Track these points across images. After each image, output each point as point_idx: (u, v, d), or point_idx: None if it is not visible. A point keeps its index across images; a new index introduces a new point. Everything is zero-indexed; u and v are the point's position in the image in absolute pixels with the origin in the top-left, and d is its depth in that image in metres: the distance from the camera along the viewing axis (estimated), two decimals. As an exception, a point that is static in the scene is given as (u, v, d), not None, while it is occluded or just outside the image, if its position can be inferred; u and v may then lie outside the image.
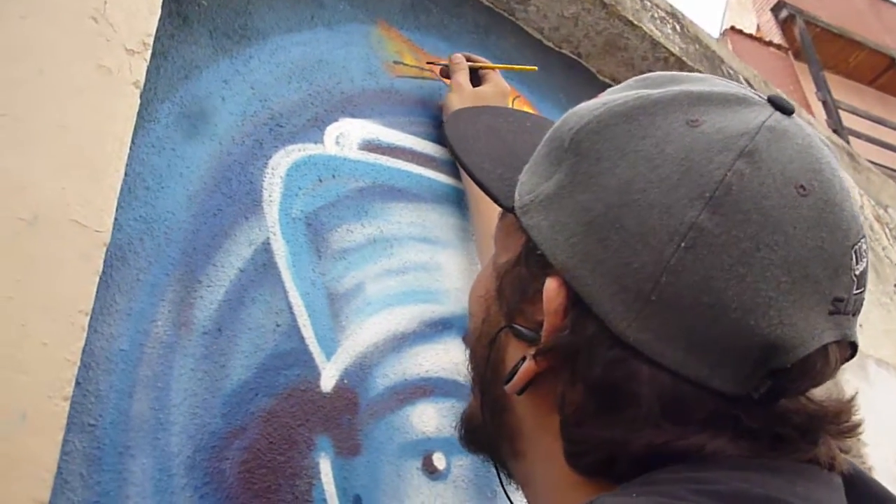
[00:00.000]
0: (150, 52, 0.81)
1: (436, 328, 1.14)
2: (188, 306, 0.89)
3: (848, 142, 8.42)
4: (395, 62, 1.39)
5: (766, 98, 0.51)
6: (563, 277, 0.49)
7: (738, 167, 0.46)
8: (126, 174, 0.83)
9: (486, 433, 0.62)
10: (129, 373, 0.81)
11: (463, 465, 1.06)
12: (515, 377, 0.54)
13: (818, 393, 0.50)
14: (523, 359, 0.54)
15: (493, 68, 1.31)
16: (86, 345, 0.72)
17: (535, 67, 1.15)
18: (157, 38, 0.88)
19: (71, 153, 0.70)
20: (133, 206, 0.89)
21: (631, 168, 0.48)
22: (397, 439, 1.01)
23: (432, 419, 1.06)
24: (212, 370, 0.88)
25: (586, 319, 0.48)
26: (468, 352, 0.67)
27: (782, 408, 0.48)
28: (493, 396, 0.59)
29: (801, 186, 0.46)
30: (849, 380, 1.58)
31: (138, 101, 0.78)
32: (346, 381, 0.99)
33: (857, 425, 0.51)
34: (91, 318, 0.71)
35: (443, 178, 1.31)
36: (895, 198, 2.65)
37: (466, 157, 0.62)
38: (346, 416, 0.97)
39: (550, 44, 1.81)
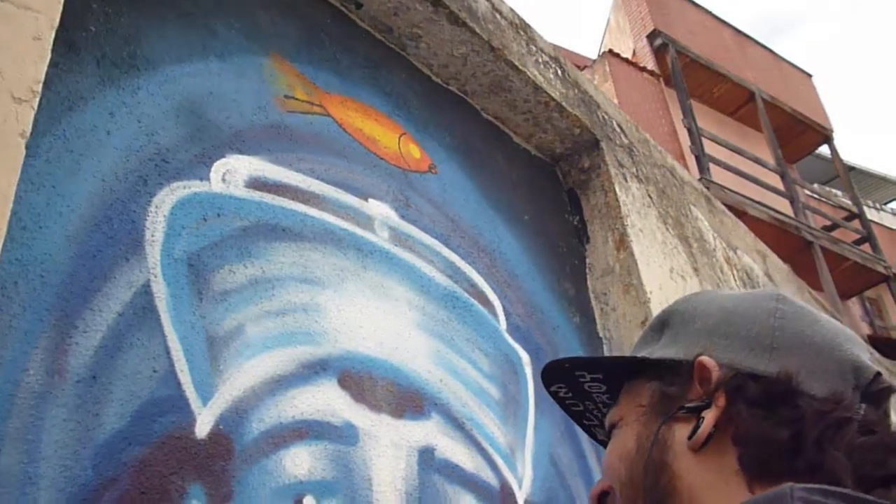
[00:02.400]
0: (38, 99, 0.79)
1: (313, 369, 1.17)
2: (63, 353, 0.88)
3: (708, 168, 8.99)
4: (287, 97, 1.40)
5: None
6: (708, 355, 0.64)
7: (778, 297, 0.68)
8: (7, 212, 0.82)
9: None
10: (-3, 426, 0.79)
11: (332, 507, 1.09)
12: (700, 429, 0.62)
13: None
14: (700, 419, 0.63)
15: None
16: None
17: None
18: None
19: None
20: (9, 247, 0.87)
21: (713, 309, 0.69)
22: (270, 484, 1.03)
23: (305, 462, 1.09)
24: (84, 419, 0.87)
25: (735, 372, 0.63)
26: (626, 501, 0.69)
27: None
28: (662, 487, 0.65)
29: (812, 311, 0.69)
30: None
31: (23, 153, 0.76)
32: (221, 427, 1.00)
33: None
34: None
35: (326, 217, 1.33)
36: (743, 239, 2.89)
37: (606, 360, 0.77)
38: (220, 462, 0.98)
39: (439, 80, 1.87)
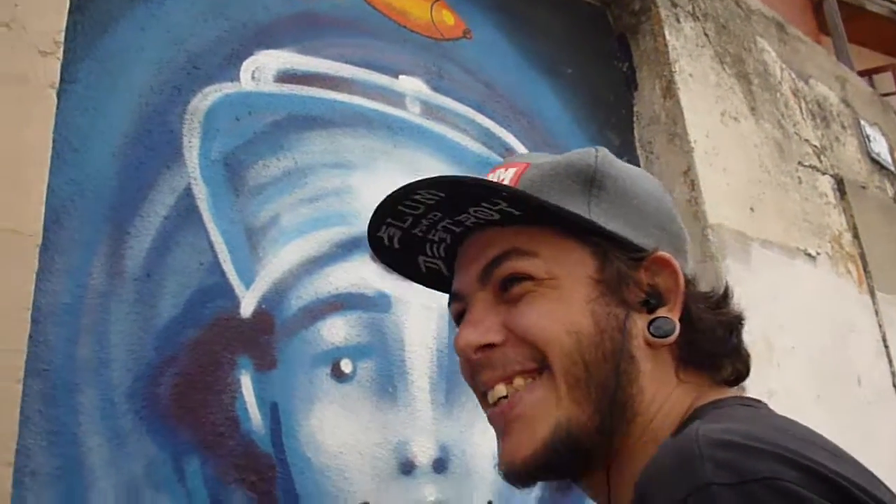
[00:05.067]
0: (62, 49, 0.90)
1: (346, 248, 1.31)
2: (119, 256, 1.05)
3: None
4: (312, -20, 1.45)
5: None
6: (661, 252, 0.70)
7: (649, 173, 0.83)
8: (54, 139, 0.96)
9: (601, 438, 0.65)
10: (72, 322, 0.98)
11: (367, 367, 1.27)
12: (675, 329, 0.68)
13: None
14: (661, 318, 0.68)
15: None
16: (34, 301, 0.89)
17: None
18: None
19: (2, 168, 0.82)
20: (63, 169, 1.01)
21: (643, 188, 0.74)
22: (309, 351, 1.20)
23: (341, 330, 1.25)
24: (144, 311, 1.05)
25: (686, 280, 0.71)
26: (570, 380, 0.66)
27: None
28: (620, 375, 0.66)
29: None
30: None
31: (55, 101, 0.89)
32: (263, 307, 1.17)
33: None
34: (36, 278, 0.88)
35: (356, 100, 1.42)
36: (821, 67, 2.76)
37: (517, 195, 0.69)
38: (264, 336, 1.16)
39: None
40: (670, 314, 0.69)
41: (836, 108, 2.72)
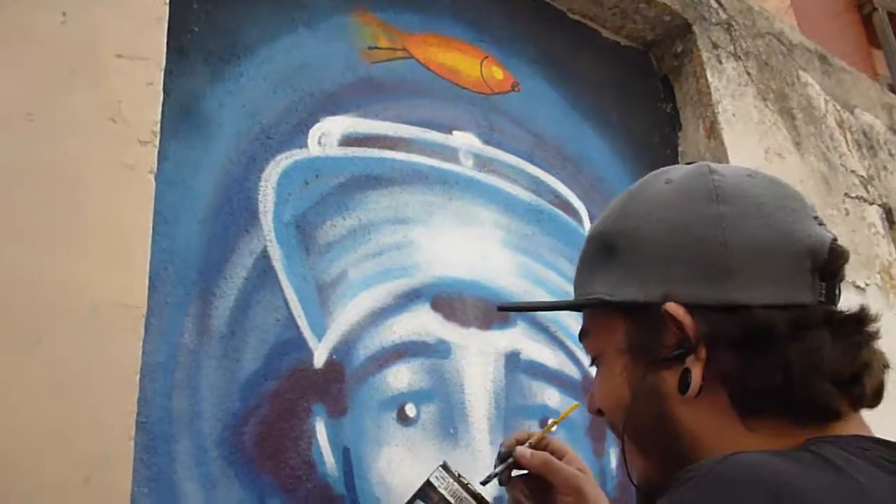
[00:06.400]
0: (158, 138, 1.02)
1: (407, 299, 1.40)
2: (207, 316, 1.16)
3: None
4: (370, 48, 1.56)
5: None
6: (674, 300, 0.67)
7: (713, 178, 0.70)
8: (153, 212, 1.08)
9: (670, 473, 0.66)
10: (167, 379, 1.09)
11: (431, 410, 1.35)
12: (691, 383, 0.66)
13: None
14: (686, 371, 0.67)
15: (549, 430, 1.03)
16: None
17: (577, 404, 1.10)
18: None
19: (113, 248, 0.94)
20: (157, 240, 1.13)
21: (658, 230, 0.70)
22: (376, 397, 1.30)
23: (405, 377, 1.34)
24: (229, 365, 1.16)
25: (704, 311, 0.66)
26: (633, 441, 0.73)
27: (843, 309, 0.68)
28: (667, 433, 0.69)
29: (749, 175, 0.72)
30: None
31: (153, 185, 1.00)
32: (334, 357, 1.27)
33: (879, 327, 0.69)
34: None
35: (413, 158, 1.52)
36: (865, 95, 2.79)
37: (548, 305, 0.83)
38: (336, 385, 1.26)
39: (521, -10, 1.94)
40: (693, 365, 0.67)
41: (884, 137, 2.74)
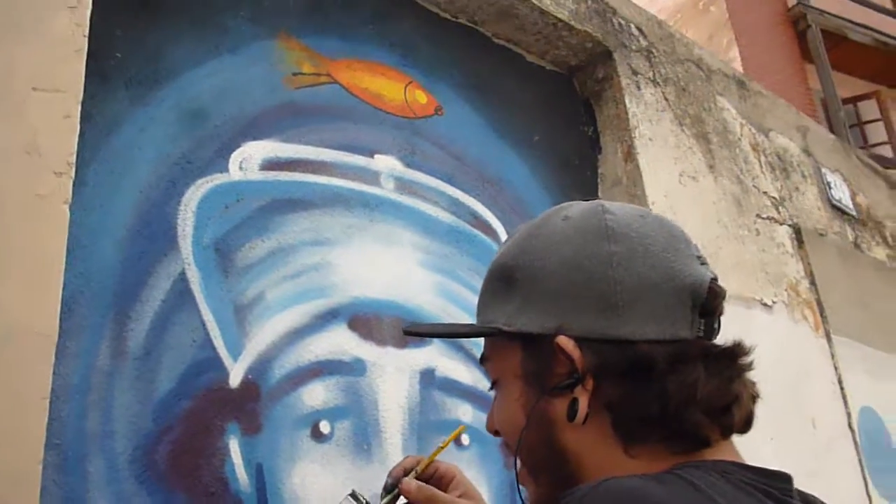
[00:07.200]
0: (73, 169, 1.06)
1: (324, 319, 1.45)
2: (123, 339, 1.20)
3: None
4: (294, 73, 1.61)
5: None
6: (564, 334, 0.72)
7: (607, 217, 0.75)
8: (69, 236, 1.11)
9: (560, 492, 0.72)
10: (80, 400, 1.12)
11: (345, 427, 1.41)
12: (579, 409, 0.71)
13: None
14: (574, 400, 0.72)
15: (432, 459, 1.04)
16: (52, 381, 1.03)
17: (463, 427, 1.15)
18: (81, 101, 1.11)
19: (26, 277, 0.97)
20: (74, 264, 1.16)
21: (554, 265, 0.74)
22: (291, 415, 1.35)
23: (320, 395, 1.40)
24: (144, 386, 1.20)
25: (592, 344, 0.72)
26: (520, 465, 0.80)
27: (717, 344, 0.73)
28: (555, 457, 0.75)
29: (641, 216, 0.77)
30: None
31: (68, 216, 1.04)
32: (250, 377, 1.32)
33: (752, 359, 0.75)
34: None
35: (335, 181, 1.57)
36: (782, 118, 2.93)
37: (450, 331, 0.87)
38: (251, 403, 1.30)
39: (447, 15, 2.00)
40: (581, 394, 0.72)
41: (797, 159, 2.89)
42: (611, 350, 0.71)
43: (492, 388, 0.85)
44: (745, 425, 0.74)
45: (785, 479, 0.71)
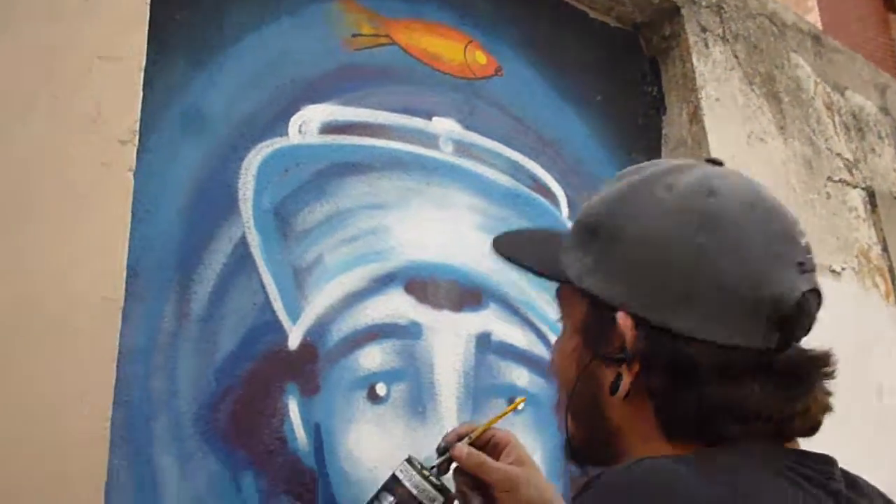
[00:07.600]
0: (137, 136, 1.08)
1: (381, 282, 1.47)
2: (186, 301, 1.23)
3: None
4: (354, 35, 1.60)
5: (703, 159, 0.78)
6: (626, 310, 0.71)
7: (710, 201, 0.70)
8: (132, 202, 1.14)
9: (594, 449, 0.79)
10: (147, 360, 1.16)
11: (401, 390, 1.43)
12: (621, 386, 0.71)
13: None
14: (619, 375, 0.72)
15: (487, 427, 1.05)
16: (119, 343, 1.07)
17: (522, 399, 1.17)
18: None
19: (92, 244, 1.00)
20: (138, 228, 1.19)
21: (638, 236, 0.72)
22: (348, 377, 1.37)
23: (377, 358, 1.42)
24: (206, 347, 1.23)
25: (649, 329, 0.70)
26: (571, 408, 0.80)
27: (791, 355, 0.69)
28: (599, 420, 0.76)
29: (750, 204, 0.71)
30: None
31: (132, 182, 1.06)
32: (308, 339, 1.34)
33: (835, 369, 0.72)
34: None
35: (393, 145, 1.57)
36: (858, 75, 2.80)
37: (524, 261, 0.83)
38: (309, 365, 1.33)
39: (508, -28, 1.95)
40: (626, 373, 0.71)
41: (874, 118, 2.76)
42: (662, 340, 0.69)
43: (559, 321, 0.85)
44: (808, 432, 0.71)
45: (826, 461, 0.69)
